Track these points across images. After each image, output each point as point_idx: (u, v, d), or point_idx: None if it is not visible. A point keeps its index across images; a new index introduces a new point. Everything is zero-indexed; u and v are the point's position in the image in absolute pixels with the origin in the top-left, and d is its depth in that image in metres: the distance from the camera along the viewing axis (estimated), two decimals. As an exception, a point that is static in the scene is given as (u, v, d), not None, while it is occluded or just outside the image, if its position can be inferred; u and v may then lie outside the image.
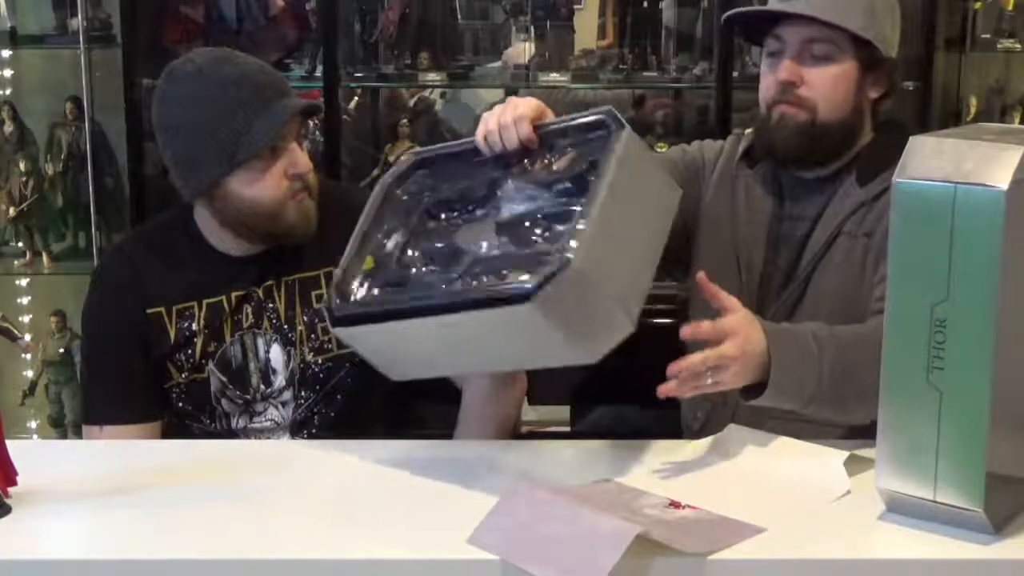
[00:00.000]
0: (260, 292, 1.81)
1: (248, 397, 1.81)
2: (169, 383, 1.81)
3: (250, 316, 1.81)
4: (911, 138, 1.25)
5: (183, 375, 1.80)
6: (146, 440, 1.78)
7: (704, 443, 1.56)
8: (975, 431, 1.20)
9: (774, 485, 1.40)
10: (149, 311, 1.79)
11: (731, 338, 1.46)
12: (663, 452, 1.54)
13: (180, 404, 1.81)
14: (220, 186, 1.73)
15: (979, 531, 1.22)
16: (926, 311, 1.20)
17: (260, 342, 1.81)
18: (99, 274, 1.91)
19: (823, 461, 1.43)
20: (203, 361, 1.80)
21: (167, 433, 1.82)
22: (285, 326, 1.81)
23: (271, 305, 1.81)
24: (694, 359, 1.44)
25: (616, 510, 1.25)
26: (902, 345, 1.23)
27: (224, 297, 1.80)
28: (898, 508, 1.27)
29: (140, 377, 1.80)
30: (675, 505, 1.32)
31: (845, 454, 1.42)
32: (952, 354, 1.20)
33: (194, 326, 1.79)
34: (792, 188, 1.85)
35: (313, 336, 1.80)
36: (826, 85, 1.76)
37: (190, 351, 1.79)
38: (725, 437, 1.56)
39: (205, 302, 1.80)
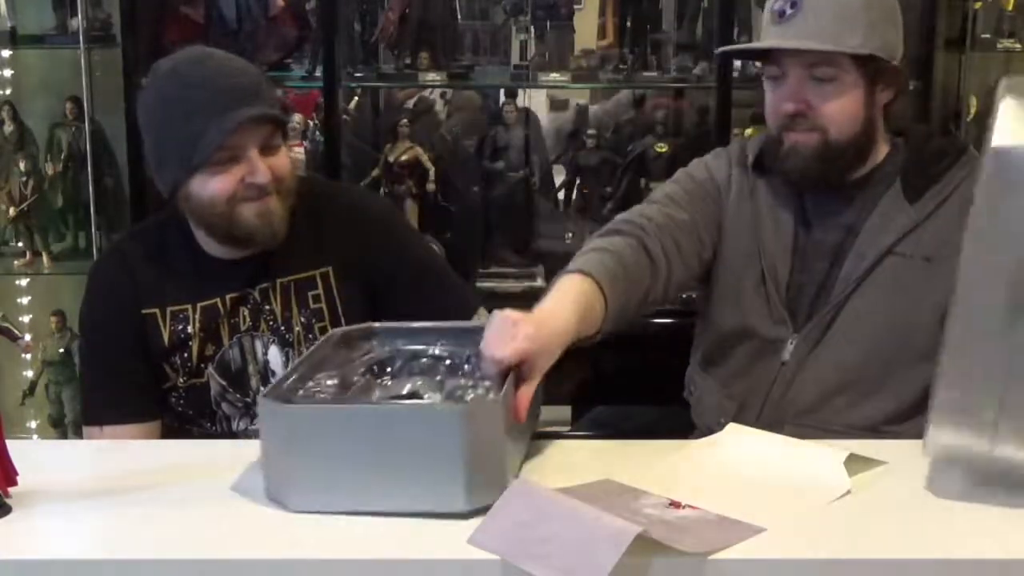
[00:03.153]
0: (256, 294, 1.81)
1: (248, 400, 1.80)
2: (167, 384, 1.80)
3: (247, 319, 1.81)
4: (1004, 101, 1.25)
5: (181, 378, 1.80)
6: (146, 440, 1.78)
7: (704, 443, 1.56)
8: None
9: (774, 485, 1.40)
10: (144, 311, 1.79)
11: None
12: (663, 452, 1.54)
13: (180, 408, 1.81)
14: (183, 187, 1.73)
15: None
16: (1004, 270, 1.21)
17: (258, 344, 1.81)
18: (94, 274, 1.90)
19: (823, 461, 1.43)
20: (202, 365, 1.80)
21: (167, 437, 1.82)
22: (282, 327, 1.81)
23: (268, 307, 1.81)
24: None
25: (616, 510, 1.25)
26: (976, 299, 1.24)
27: (219, 299, 1.80)
28: (948, 455, 1.29)
29: (138, 376, 1.80)
30: (675, 505, 1.32)
31: (845, 454, 1.42)
32: None
33: (189, 328, 1.79)
34: (813, 197, 1.83)
35: (311, 336, 1.80)
36: (834, 107, 1.74)
37: (186, 354, 1.79)
38: (725, 437, 1.56)
39: (199, 304, 1.80)
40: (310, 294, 1.82)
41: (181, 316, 1.80)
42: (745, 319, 1.83)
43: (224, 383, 1.80)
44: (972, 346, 1.24)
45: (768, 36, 1.77)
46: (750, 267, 1.83)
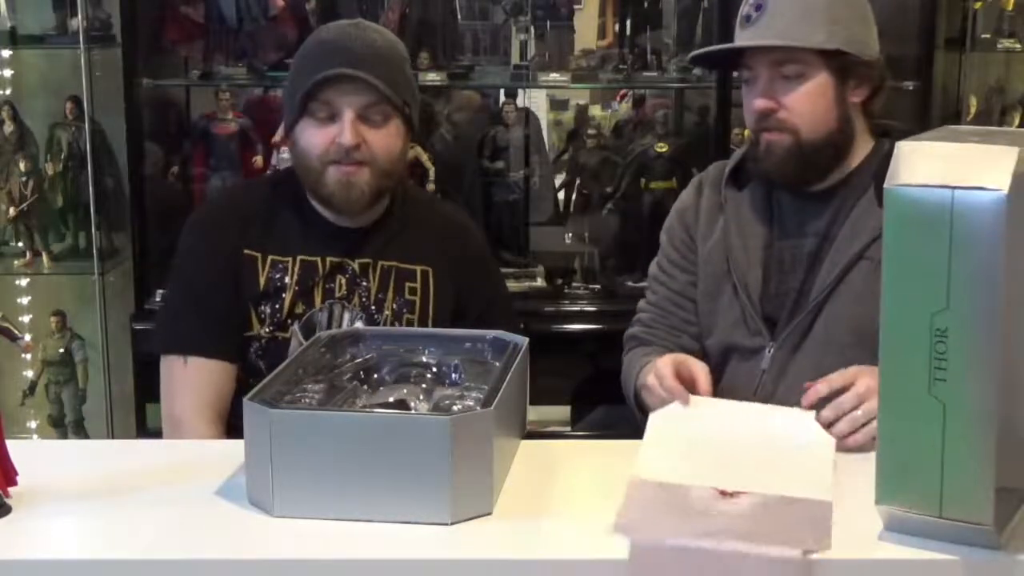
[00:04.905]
0: (356, 266, 1.85)
1: None
2: (249, 333, 1.83)
3: (343, 287, 1.85)
4: (898, 144, 1.20)
5: (265, 328, 1.82)
6: (227, 382, 1.82)
7: (664, 417, 1.55)
8: (982, 443, 1.16)
9: (770, 454, 1.41)
10: (246, 251, 1.84)
11: (861, 376, 1.52)
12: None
13: (254, 359, 1.83)
14: (293, 131, 1.81)
15: (985, 545, 1.19)
16: (925, 321, 1.16)
17: (346, 315, 1.84)
18: (198, 212, 1.98)
19: (797, 423, 1.48)
20: (289, 320, 1.83)
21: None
22: (373, 307, 1.84)
23: (364, 283, 1.85)
24: (845, 400, 1.51)
25: (691, 520, 1.20)
26: (901, 358, 1.19)
27: (319, 259, 1.84)
28: (900, 527, 1.23)
29: (227, 314, 1.83)
30: (724, 494, 1.27)
31: (810, 414, 1.49)
32: (955, 364, 1.15)
33: (286, 279, 1.83)
34: (789, 205, 1.84)
35: (397, 324, 1.84)
36: (803, 104, 1.76)
37: (277, 305, 1.83)
38: (691, 411, 1.57)
39: (299, 258, 1.84)
40: (407, 285, 1.86)
41: (280, 266, 1.84)
42: (723, 335, 1.86)
43: (304, 343, 1.81)
44: (906, 410, 1.19)
45: (737, 40, 1.82)
46: (724, 283, 1.86)
